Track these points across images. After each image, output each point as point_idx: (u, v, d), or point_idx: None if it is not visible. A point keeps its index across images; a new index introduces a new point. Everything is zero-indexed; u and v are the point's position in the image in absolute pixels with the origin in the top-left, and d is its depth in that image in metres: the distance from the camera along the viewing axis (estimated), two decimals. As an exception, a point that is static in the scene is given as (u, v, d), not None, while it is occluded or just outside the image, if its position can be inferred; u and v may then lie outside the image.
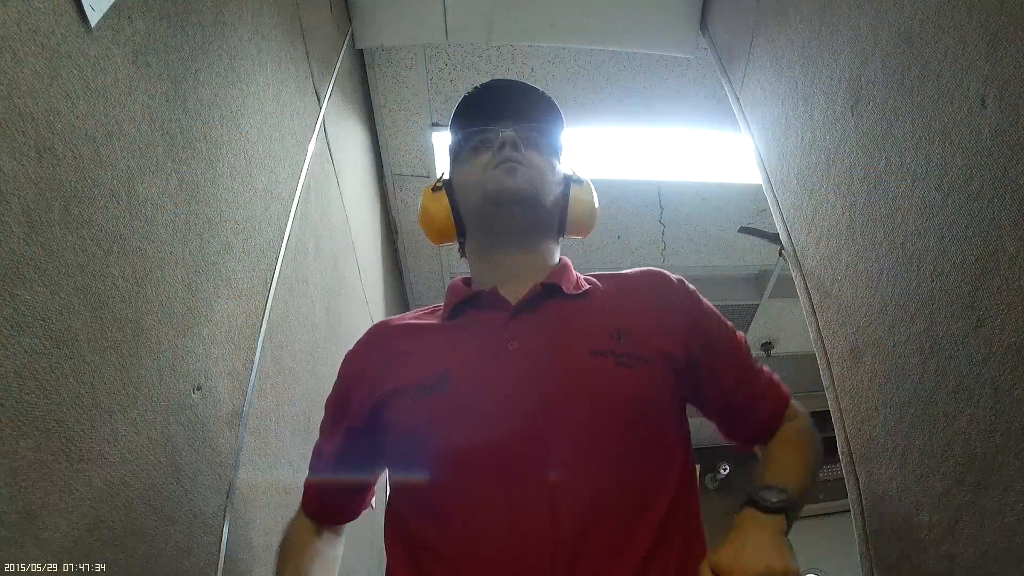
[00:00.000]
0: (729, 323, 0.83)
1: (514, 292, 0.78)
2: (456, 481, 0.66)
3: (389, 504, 0.75)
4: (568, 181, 0.87)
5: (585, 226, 0.89)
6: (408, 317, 0.86)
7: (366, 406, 0.76)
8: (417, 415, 0.70)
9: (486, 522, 0.62)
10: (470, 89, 0.89)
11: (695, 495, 0.72)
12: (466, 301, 0.80)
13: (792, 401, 0.82)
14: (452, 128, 0.90)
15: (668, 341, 0.74)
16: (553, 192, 0.83)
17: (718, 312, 0.83)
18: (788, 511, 0.65)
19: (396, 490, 0.75)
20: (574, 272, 0.84)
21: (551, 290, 0.77)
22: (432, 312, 0.85)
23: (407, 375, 0.73)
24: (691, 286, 0.83)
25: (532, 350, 0.71)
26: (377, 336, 0.85)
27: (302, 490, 0.85)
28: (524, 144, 0.82)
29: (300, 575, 0.77)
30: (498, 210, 0.80)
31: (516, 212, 0.79)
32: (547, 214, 0.83)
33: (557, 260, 0.86)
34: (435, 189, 0.88)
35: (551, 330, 0.73)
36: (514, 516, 0.61)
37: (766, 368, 0.83)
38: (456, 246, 0.91)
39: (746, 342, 0.83)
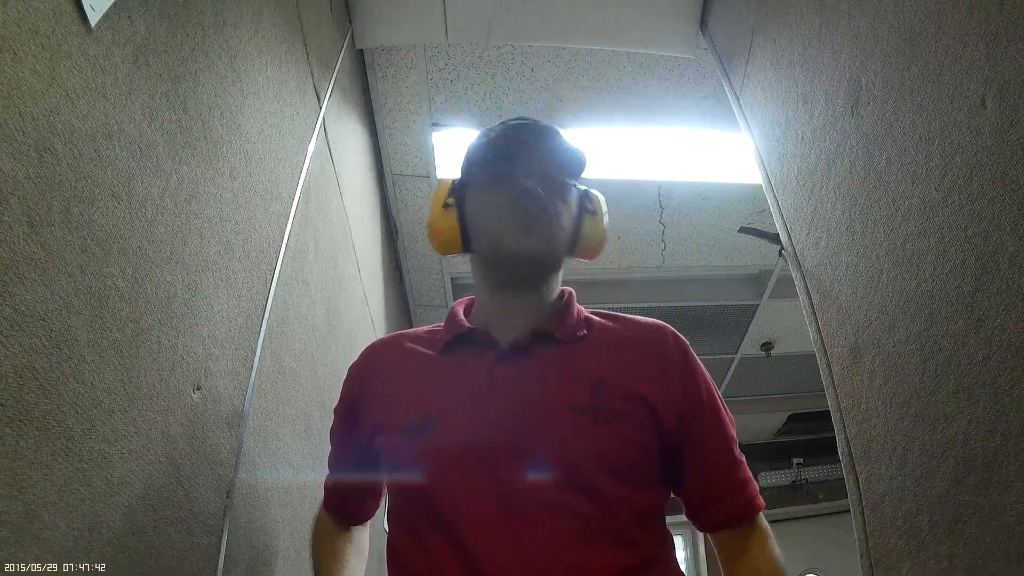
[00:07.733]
0: (722, 403, 0.80)
1: (507, 333, 0.78)
2: (432, 520, 0.69)
3: (388, 522, 0.79)
4: (582, 213, 0.84)
5: (594, 254, 0.87)
6: (407, 339, 0.86)
7: (366, 431, 0.80)
8: (405, 454, 0.74)
9: (453, 565, 0.65)
10: (514, 120, 0.85)
11: (668, 543, 0.74)
12: (460, 338, 0.80)
13: (763, 513, 0.79)
14: (480, 148, 0.85)
15: (656, 392, 0.73)
16: (566, 238, 0.82)
17: (714, 387, 0.80)
18: None
19: (390, 515, 0.79)
20: (576, 309, 0.82)
21: (542, 337, 0.77)
22: (433, 333, 0.85)
23: (398, 412, 0.76)
24: (693, 353, 0.81)
25: (512, 400, 0.72)
26: (379, 356, 0.87)
27: (321, 489, 0.92)
28: (547, 188, 0.79)
29: (336, 559, 0.86)
30: (508, 262, 0.79)
31: (525, 267, 0.79)
32: (556, 262, 0.83)
33: (557, 294, 0.84)
34: (446, 206, 0.84)
35: (533, 380, 0.74)
36: (478, 561, 0.63)
37: (745, 462, 0.80)
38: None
39: (734, 429, 0.80)
